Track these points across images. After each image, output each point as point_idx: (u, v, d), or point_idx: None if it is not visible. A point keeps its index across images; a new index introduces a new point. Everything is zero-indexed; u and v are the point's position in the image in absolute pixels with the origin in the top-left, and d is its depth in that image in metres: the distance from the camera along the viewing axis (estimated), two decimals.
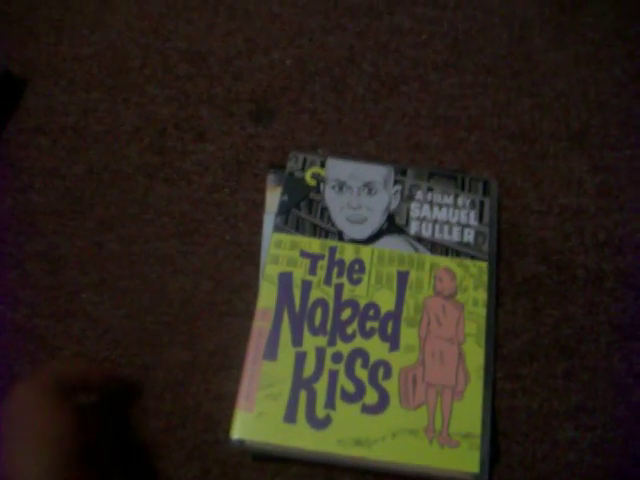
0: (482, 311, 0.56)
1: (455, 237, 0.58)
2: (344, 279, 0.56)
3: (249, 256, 0.61)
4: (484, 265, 0.57)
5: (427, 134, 0.68)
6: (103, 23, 0.75)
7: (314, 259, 0.57)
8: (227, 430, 0.52)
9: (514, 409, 0.56)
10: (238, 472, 0.54)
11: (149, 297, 0.60)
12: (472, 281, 0.57)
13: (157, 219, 0.64)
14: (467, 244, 0.58)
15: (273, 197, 0.62)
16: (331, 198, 0.60)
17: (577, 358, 0.59)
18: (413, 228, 0.59)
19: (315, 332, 0.54)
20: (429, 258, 0.57)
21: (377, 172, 0.61)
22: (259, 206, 0.63)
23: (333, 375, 0.53)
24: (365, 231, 0.58)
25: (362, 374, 0.53)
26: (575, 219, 0.64)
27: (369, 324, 0.55)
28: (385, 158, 0.66)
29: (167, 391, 0.57)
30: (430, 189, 0.61)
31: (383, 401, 0.52)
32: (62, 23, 0.75)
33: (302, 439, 0.51)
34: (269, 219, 0.60)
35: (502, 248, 0.62)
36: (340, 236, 0.58)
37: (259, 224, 0.62)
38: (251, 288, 0.59)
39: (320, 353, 0.54)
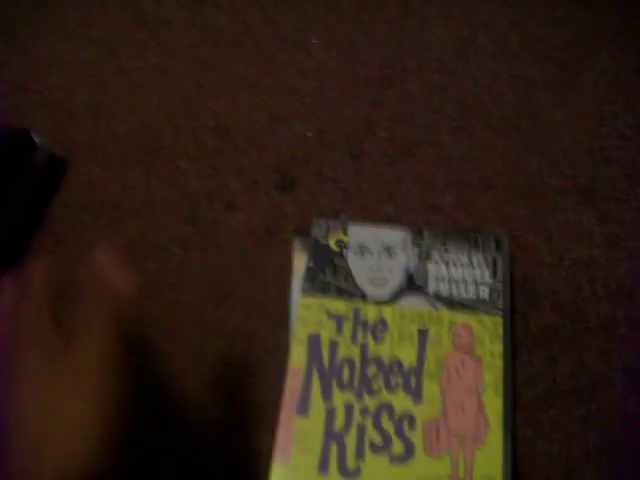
0: (499, 362, 0.59)
1: (471, 294, 0.62)
2: (369, 338, 0.60)
3: (279, 317, 0.66)
4: (499, 320, 0.61)
5: (441, 195, 0.73)
6: (137, 104, 0.81)
7: (340, 320, 0.61)
8: None
9: (534, 454, 0.59)
10: None
11: (189, 360, 0.65)
12: (488, 335, 0.60)
13: (193, 287, 0.68)
14: (483, 300, 0.62)
15: (300, 261, 0.66)
16: (354, 262, 0.64)
17: (593, 403, 0.61)
18: (431, 287, 0.63)
19: (343, 388, 0.58)
20: (447, 315, 0.61)
21: (395, 236, 0.66)
22: (287, 270, 0.68)
23: (361, 428, 0.57)
24: (386, 292, 0.63)
25: (388, 426, 0.57)
26: (586, 270, 0.68)
27: (393, 379, 0.59)
28: (403, 219, 0.71)
29: (206, 448, 0.61)
30: (446, 249, 0.65)
31: (409, 451, 0.56)
32: (99, 105, 0.82)
33: None
34: (297, 282, 0.65)
35: (517, 301, 0.66)
36: (363, 297, 0.62)
37: (288, 287, 0.67)
38: (281, 348, 0.63)
39: (349, 408, 0.57)
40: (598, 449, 0.60)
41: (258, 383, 0.63)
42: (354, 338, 0.60)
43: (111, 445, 0.40)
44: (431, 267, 0.64)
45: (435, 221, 0.71)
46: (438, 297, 0.62)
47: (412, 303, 0.62)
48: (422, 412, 0.57)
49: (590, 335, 0.65)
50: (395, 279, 0.63)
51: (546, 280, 0.67)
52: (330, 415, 0.57)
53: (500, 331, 0.61)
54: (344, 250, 0.65)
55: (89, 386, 0.42)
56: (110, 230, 0.73)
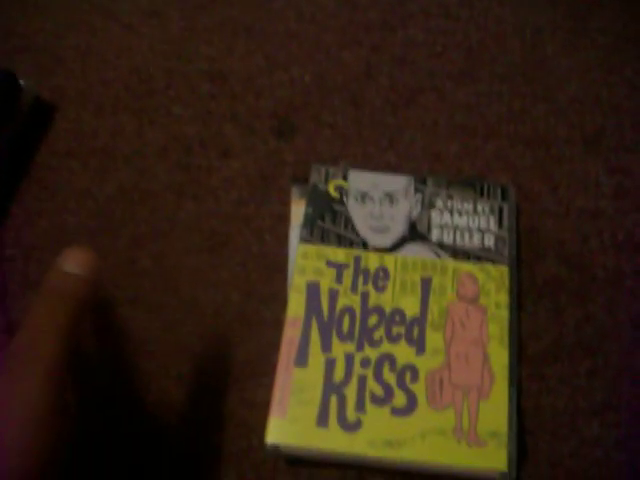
0: (505, 313, 0.57)
1: (476, 242, 0.60)
2: (370, 287, 0.58)
3: (276, 267, 0.63)
4: (505, 269, 0.59)
5: (445, 143, 0.70)
6: (128, 48, 0.78)
7: (340, 268, 0.59)
8: (261, 436, 0.54)
9: (540, 408, 0.58)
10: (273, 476, 0.56)
11: (182, 310, 0.62)
12: (494, 285, 0.58)
13: (187, 235, 0.66)
14: (488, 249, 0.60)
15: (298, 209, 0.64)
16: (354, 209, 0.62)
17: (600, 356, 0.60)
18: (435, 235, 0.61)
19: (343, 339, 0.56)
20: (451, 264, 0.59)
21: (397, 182, 0.63)
22: (284, 219, 0.65)
23: (362, 380, 0.55)
24: (388, 239, 0.60)
25: (390, 378, 0.55)
26: (593, 221, 0.66)
27: (395, 329, 0.56)
28: (404, 168, 0.68)
29: (202, 399, 0.59)
30: (450, 197, 0.62)
31: (411, 403, 0.54)
32: (88, 49, 0.78)
33: (334, 442, 0.53)
34: (295, 231, 0.63)
35: (522, 252, 0.64)
36: (364, 245, 0.60)
37: (285, 236, 0.64)
38: (279, 298, 0.61)
39: (349, 359, 0.55)
40: (604, 403, 0.58)
41: (255, 334, 0.61)
42: (354, 287, 0.58)
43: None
44: (435, 215, 0.62)
45: (438, 169, 0.68)
46: (442, 245, 0.60)
47: (415, 251, 0.60)
48: (425, 363, 0.55)
49: (597, 287, 0.63)
50: (397, 227, 0.61)
51: (552, 231, 0.65)
52: (329, 366, 0.55)
53: (506, 281, 0.58)
54: (344, 196, 0.63)
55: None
56: (99, 177, 0.70)
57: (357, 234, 0.61)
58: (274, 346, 0.57)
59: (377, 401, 0.54)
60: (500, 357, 0.56)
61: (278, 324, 0.58)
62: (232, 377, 0.60)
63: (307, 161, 0.68)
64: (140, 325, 0.62)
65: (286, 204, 0.66)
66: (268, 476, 0.56)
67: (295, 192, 0.65)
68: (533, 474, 0.56)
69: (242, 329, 0.61)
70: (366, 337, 0.56)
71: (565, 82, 0.74)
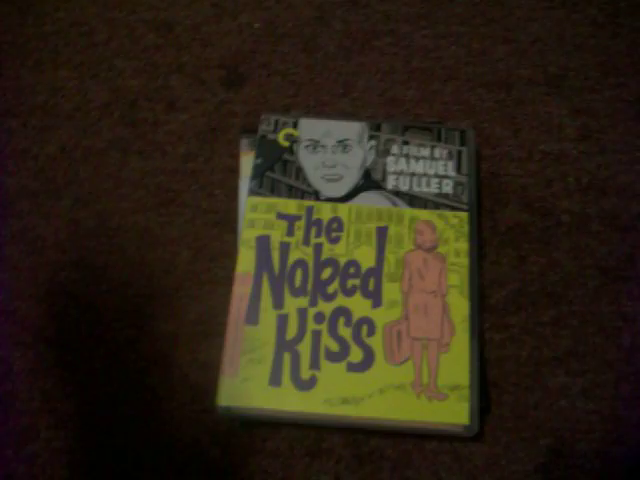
0: (465, 262, 0.55)
1: (433, 189, 0.57)
2: (323, 238, 0.55)
3: (227, 223, 0.61)
4: (464, 215, 0.56)
5: (402, 88, 0.67)
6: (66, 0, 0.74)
7: (291, 220, 0.56)
8: (214, 398, 0.51)
9: (503, 359, 0.56)
10: (228, 440, 0.54)
11: (129, 270, 0.59)
12: (453, 232, 0.56)
13: (133, 192, 0.63)
14: (446, 195, 0.57)
15: (247, 161, 0.61)
16: (305, 158, 0.59)
17: (565, 304, 0.58)
18: (390, 183, 0.58)
19: (296, 293, 0.54)
20: (408, 212, 0.56)
21: (351, 129, 0.60)
22: (234, 171, 0.62)
23: (316, 335, 0.52)
24: (341, 189, 0.57)
25: (345, 333, 0.52)
26: (557, 164, 0.63)
27: (350, 282, 0.54)
28: (361, 115, 0.65)
29: (152, 364, 0.56)
30: (405, 142, 0.59)
31: (368, 358, 0.51)
32: (25, 2, 0.74)
33: (288, 402, 0.50)
34: (244, 184, 0.60)
35: (483, 198, 0.61)
36: (316, 196, 0.57)
37: (235, 190, 0.61)
38: (230, 255, 0.59)
39: (302, 314, 0.53)
40: (570, 352, 0.56)
41: (206, 293, 0.58)
42: (307, 239, 0.55)
43: None
44: (390, 162, 0.59)
45: (396, 115, 0.65)
46: (398, 193, 0.57)
47: (369, 200, 0.57)
48: (382, 316, 0.53)
49: (561, 233, 0.61)
50: (351, 175, 0.58)
51: (514, 176, 0.63)
52: (282, 323, 0.53)
53: (465, 228, 0.56)
54: (295, 145, 0.59)
55: None
56: (40, 137, 0.66)
57: (309, 184, 0.58)
58: (226, 304, 0.54)
59: (332, 357, 0.52)
60: (460, 308, 0.53)
61: (230, 281, 0.55)
62: (183, 338, 0.57)
63: (258, 112, 0.65)
64: (86, 288, 0.59)
65: (236, 157, 0.63)
66: (223, 439, 0.54)
67: (245, 144, 0.62)
68: (498, 426, 0.54)
69: (192, 288, 0.59)
70: (320, 291, 0.54)
71: (527, 21, 0.71)
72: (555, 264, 0.59)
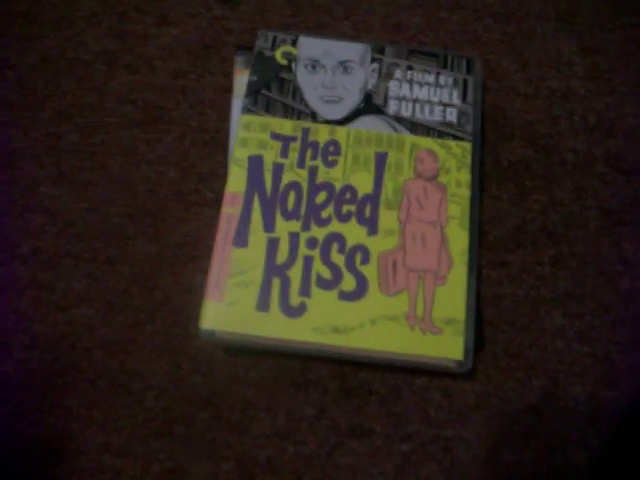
0: (466, 193, 0.52)
1: (437, 117, 0.55)
2: (318, 161, 0.53)
3: (217, 143, 0.58)
4: (468, 145, 0.54)
5: (406, 14, 0.64)
6: None
7: (286, 141, 0.53)
8: (197, 323, 0.49)
9: (500, 297, 0.54)
10: (210, 366, 0.51)
11: (111, 189, 0.56)
12: (455, 162, 0.53)
13: (119, 108, 0.59)
14: (450, 124, 0.54)
15: (242, 80, 0.57)
16: (304, 77, 0.56)
17: (565, 244, 0.56)
18: (392, 108, 0.55)
19: (288, 217, 0.51)
20: (409, 139, 0.54)
21: (353, 50, 0.57)
22: (227, 91, 0.59)
23: (308, 261, 0.50)
24: (340, 111, 0.54)
25: (339, 259, 0.50)
26: (564, 102, 0.61)
27: (345, 208, 0.51)
28: (361, 40, 0.62)
29: (134, 285, 0.53)
30: (410, 67, 0.56)
31: (361, 287, 0.49)
32: None
33: (276, 328, 0.48)
34: (238, 104, 0.56)
35: (487, 132, 0.59)
36: (314, 117, 0.54)
37: (227, 110, 0.58)
38: (220, 176, 0.56)
39: (294, 239, 0.50)
40: (568, 293, 0.54)
41: (192, 215, 0.56)
42: (302, 161, 0.52)
43: None
44: (392, 85, 0.56)
45: (398, 41, 0.62)
46: (399, 119, 0.54)
47: (369, 124, 0.54)
48: (377, 245, 0.50)
49: (565, 171, 0.58)
50: (351, 97, 0.55)
51: (520, 110, 0.60)
52: (272, 246, 0.50)
53: (468, 158, 0.53)
54: (293, 64, 0.56)
55: None
56: (20, 45, 0.62)
57: (306, 105, 0.55)
58: (213, 227, 0.52)
59: (324, 284, 0.49)
60: (459, 240, 0.51)
61: (218, 204, 0.53)
62: (167, 260, 0.54)
63: (254, 29, 0.62)
64: (65, 205, 0.56)
65: (229, 75, 0.60)
66: (205, 366, 0.51)
67: (239, 61, 0.58)
68: (490, 365, 0.52)
69: (178, 209, 0.56)
70: (313, 215, 0.51)
71: None
72: (557, 203, 0.57)
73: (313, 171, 0.52)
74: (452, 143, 0.54)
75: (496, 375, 0.52)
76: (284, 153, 0.53)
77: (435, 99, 0.55)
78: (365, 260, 0.50)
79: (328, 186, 0.52)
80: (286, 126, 0.54)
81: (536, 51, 0.63)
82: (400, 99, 0.55)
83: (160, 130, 0.58)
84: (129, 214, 0.55)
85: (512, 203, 0.57)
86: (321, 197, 0.51)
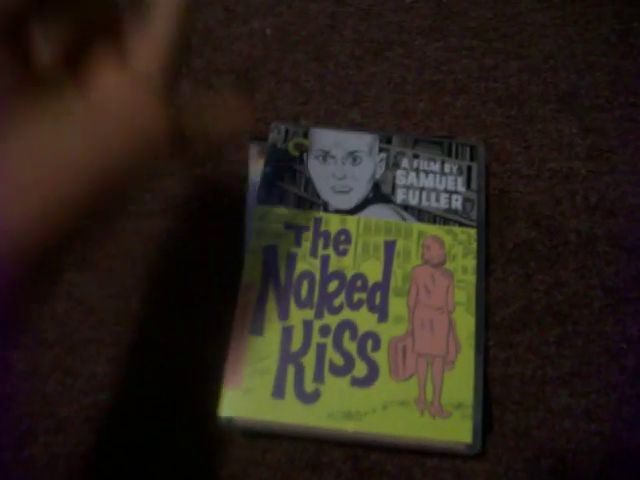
0: (472, 279, 0.54)
1: (443, 204, 0.57)
2: (330, 250, 0.55)
3: (233, 231, 0.60)
4: (473, 232, 0.56)
5: (413, 100, 0.67)
6: None
7: (299, 231, 0.56)
8: (215, 408, 0.51)
9: (507, 377, 0.56)
10: (228, 449, 0.53)
11: (134, 278, 0.59)
12: (461, 248, 0.55)
13: (138, 195, 0.62)
14: (455, 211, 0.57)
15: (256, 170, 0.60)
16: (315, 168, 0.58)
17: (570, 324, 0.57)
18: (399, 196, 0.57)
19: (302, 305, 0.53)
20: (416, 226, 0.56)
21: (361, 141, 0.60)
22: (242, 180, 0.62)
23: (321, 348, 0.52)
24: (350, 201, 0.57)
25: (351, 346, 0.52)
26: (566, 183, 0.63)
27: (356, 295, 0.53)
28: (370, 126, 0.65)
29: (153, 371, 0.56)
30: (416, 156, 0.59)
31: (372, 373, 0.51)
32: None
33: (291, 414, 0.50)
34: (252, 192, 0.59)
35: (491, 214, 0.61)
36: (325, 207, 0.57)
37: (242, 198, 0.61)
38: (235, 263, 0.58)
39: (307, 326, 0.52)
40: (574, 372, 0.56)
41: (208, 303, 0.58)
42: (314, 251, 0.55)
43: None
44: (400, 175, 0.58)
45: (405, 127, 0.65)
46: (407, 207, 0.57)
47: (378, 213, 0.57)
48: (387, 331, 0.52)
49: (568, 252, 0.60)
50: (360, 187, 0.58)
51: (523, 193, 0.62)
52: (287, 334, 0.52)
53: (474, 245, 0.56)
54: (304, 155, 0.59)
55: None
56: None
57: (318, 195, 0.57)
58: (229, 315, 0.54)
59: (336, 371, 0.51)
60: (466, 324, 0.53)
61: (234, 291, 0.55)
62: (185, 347, 0.56)
63: (267, 119, 0.65)
64: (90, 293, 0.58)
65: (244, 164, 0.62)
66: (222, 449, 0.53)
67: (253, 150, 0.61)
68: (499, 445, 0.53)
69: (195, 284, 0.58)
70: (326, 304, 0.53)
71: (539, 38, 0.71)
72: (561, 283, 0.59)
73: (325, 260, 0.55)
74: (458, 230, 0.56)
75: (505, 455, 0.53)
76: (297, 242, 0.55)
77: (441, 187, 0.58)
78: (376, 347, 0.52)
79: (339, 275, 0.54)
80: (299, 216, 0.56)
81: (538, 133, 0.65)
82: (407, 187, 0.58)
83: (178, 218, 0.61)
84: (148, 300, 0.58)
85: (518, 284, 0.59)
86: (333, 285, 0.54)
